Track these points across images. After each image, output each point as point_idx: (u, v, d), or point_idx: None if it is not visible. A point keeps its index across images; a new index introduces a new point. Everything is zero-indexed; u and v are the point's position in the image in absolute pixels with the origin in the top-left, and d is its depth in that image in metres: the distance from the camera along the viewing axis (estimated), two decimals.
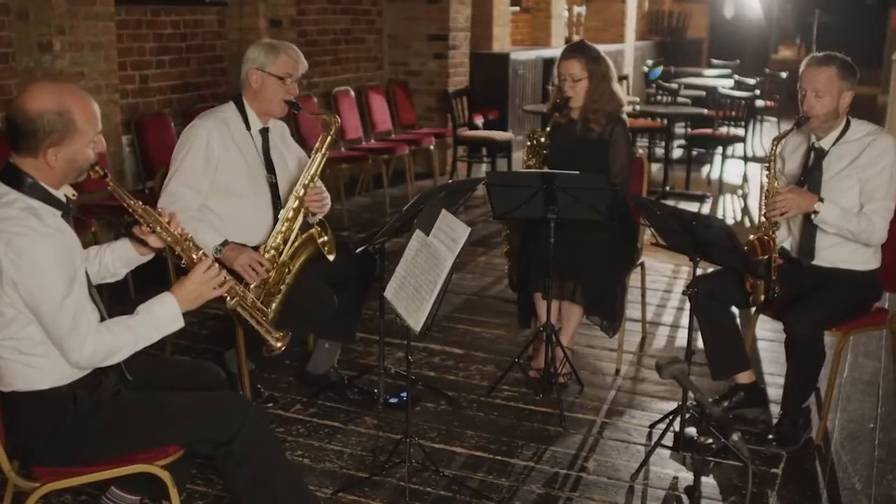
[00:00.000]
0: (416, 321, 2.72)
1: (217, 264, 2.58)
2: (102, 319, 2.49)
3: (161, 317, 2.49)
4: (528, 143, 4.11)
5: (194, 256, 2.56)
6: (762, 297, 3.52)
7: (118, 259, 2.70)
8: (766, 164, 3.59)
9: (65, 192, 2.47)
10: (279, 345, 2.89)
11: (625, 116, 4.16)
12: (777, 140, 3.60)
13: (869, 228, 3.45)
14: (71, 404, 2.43)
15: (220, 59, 6.91)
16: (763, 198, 3.56)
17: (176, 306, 2.51)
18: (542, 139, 4.04)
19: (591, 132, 4.09)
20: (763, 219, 3.54)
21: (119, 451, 2.49)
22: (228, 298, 2.65)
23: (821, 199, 3.48)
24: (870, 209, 3.47)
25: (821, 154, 3.59)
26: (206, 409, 2.55)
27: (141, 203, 2.55)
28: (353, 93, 8.03)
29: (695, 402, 3.53)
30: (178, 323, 2.53)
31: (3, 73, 5.30)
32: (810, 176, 3.60)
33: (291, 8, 7.27)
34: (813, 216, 3.49)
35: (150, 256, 2.72)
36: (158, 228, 2.55)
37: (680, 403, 3.45)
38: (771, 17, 18.76)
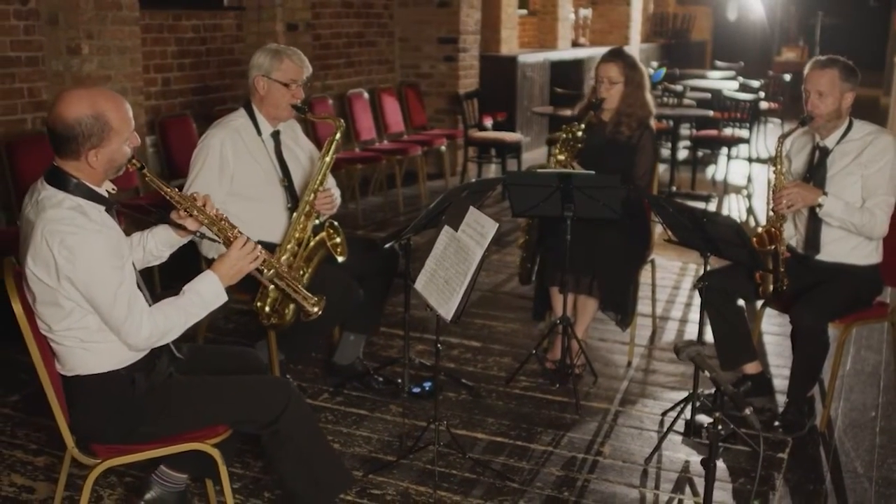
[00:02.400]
0: (448, 310, 2.90)
1: (251, 240, 2.72)
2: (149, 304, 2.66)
3: (206, 293, 2.65)
4: (563, 136, 4.23)
5: (230, 234, 2.72)
6: (770, 288, 3.69)
7: (160, 243, 2.86)
8: (773, 160, 3.76)
9: (106, 188, 2.63)
10: (315, 309, 3.01)
11: (653, 124, 4.35)
12: (783, 137, 3.77)
13: (871, 222, 3.62)
14: (129, 386, 2.60)
15: (239, 63, 7.06)
16: (770, 193, 3.73)
17: (218, 282, 2.66)
18: (579, 133, 4.18)
19: (621, 135, 4.27)
20: (771, 213, 3.71)
21: (172, 430, 2.66)
22: (266, 270, 2.81)
23: (825, 193, 3.65)
24: (871, 203, 3.64)
25: (825, 152, 3.77)
26: (253, 391, 2.72)
27: (176, 189, 2.72)
28: (366, 95, 8.19)
29: (710, 380, 3.70)
30: (223, 297, 2.69)
31: (33, 75, 5.47)
32: (815, 173, 3.77)
33: (307, 12, 7.44)
34: (818, 209, 3.66)
35: (189, 238, 2.89)
36: (195, 212, 2.72)
37: (690, 392, 3.63)
38: (774, 20, 18.89)
